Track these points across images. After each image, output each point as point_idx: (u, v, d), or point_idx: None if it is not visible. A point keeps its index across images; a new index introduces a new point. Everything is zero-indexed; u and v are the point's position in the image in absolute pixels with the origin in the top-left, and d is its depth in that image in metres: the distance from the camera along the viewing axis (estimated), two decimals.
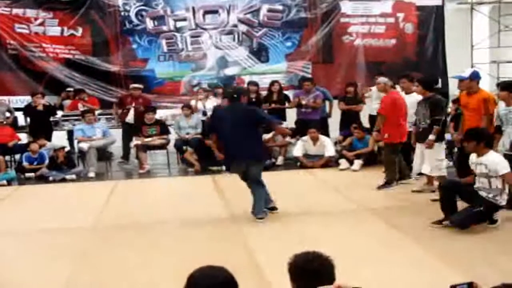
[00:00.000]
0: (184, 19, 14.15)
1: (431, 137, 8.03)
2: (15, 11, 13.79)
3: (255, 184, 7.58)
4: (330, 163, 11.18)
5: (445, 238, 6.37)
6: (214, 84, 13.77)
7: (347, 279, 2.92)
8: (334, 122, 12.65)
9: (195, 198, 9.07)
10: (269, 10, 14.20)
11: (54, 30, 13.89)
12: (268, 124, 8.13)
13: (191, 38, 14.22)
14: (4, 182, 10.78)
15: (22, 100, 13.46)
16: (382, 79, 9.49)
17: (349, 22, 14.39)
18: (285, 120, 12.45)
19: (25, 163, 11.37)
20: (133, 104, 12.41)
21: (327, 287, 2.77)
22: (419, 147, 8.45)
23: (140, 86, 12.94)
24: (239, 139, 7.31)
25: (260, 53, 14.42)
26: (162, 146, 12.02)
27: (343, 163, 10.90)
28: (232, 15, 14.13)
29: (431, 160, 8.20)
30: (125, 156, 12.62)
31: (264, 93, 13.00)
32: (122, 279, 5.45)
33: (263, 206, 7.50)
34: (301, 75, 14.12)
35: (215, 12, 14.17)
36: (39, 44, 13.83)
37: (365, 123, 11.77)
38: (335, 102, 12.78)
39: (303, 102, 12.14)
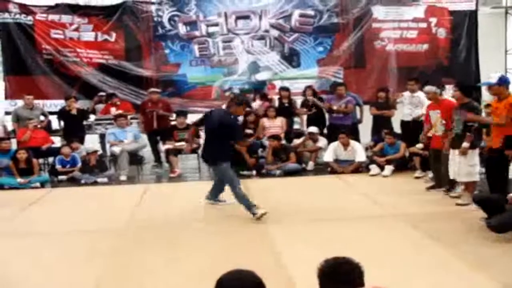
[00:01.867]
0: (216, 24, 14.23)
1: (465, 144, 7.93)
2: (51, 17, 14.03)
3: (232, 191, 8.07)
4: (360, 168, 11.16)
5: (475, 244, 6.29)
6: (246, 90, 13.81)
7: (376, 284, 2.92)
8: (365, 128, 12.59)
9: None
10: (301, 15, 14.20)
11: (89, 35, 14.10)
12: (233, 136, 8.35)
13: (223, 43, 14.29)
14: (38, 184, 10.94)
15: (56, 104, 13.65)
16: (430, 88, 9.30)
17: (381, 27, 14.32)
18: (324, 125, 12.48)
19: (58, 166, 11.53)
20: (153, 109, 12.54)
21: None
22: (453, 154, 8.32)
23: (158, 90, 13.09)
24: (208, 140, 8.30)
25: (291, 58, 14.42)
26: (193, 151, 12.07)
27: (374, 168, 10.85)
28: (264, 20, 14.17)
29: (463, 166, 8.10)
30: (157, 160, 12.74)
31: (295, 97, 13.04)
32: (151, 281, 5.49)
33: (247, 206, 7.87)
34: (333, 80, 14.10)
35: (247, 17, 14.22)
36: (73, 49, 14.04)
37: (397, 128, 11.70)
38: (366, 107, 12.72)
39: (335, 107, 12.13)
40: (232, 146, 8.80)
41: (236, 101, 8.30)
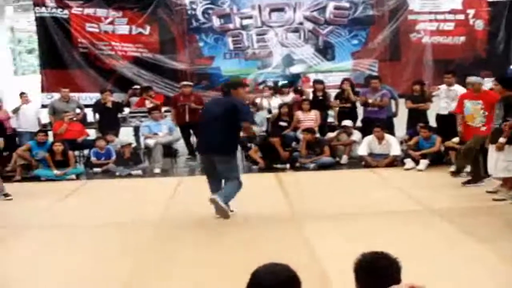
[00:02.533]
0: (250, 17, 14.20)
1: (501, 139, 7.77)
2: (87, 11, 14.16)
3: (230, 181, 7.45)
4: (395, 162, 11.05)
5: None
6: (283, 84, 13.74)
7: (411, 279, 2.87)
8: (400, 121, 12.45)
9: (258, 195, 9.07)
10: (336, 8, 14.10)
11: (123, 28, 14.21)
12: (241, 119, 7.38)
13: (257, 36, 14.26)
14: (73, 176, 11.08)
15: (92, 97, 13.78)
16: (475, 79, 9.17)
17: (417, 19, 14.13)
18: (356, 118, 12.37)
19: (93, 159, 11.66)
20: (185, 102, 12.57)
21: (398, 286, 2.73)
22: (492, 149, 8.14)
23: (190, 83, 13.11)
24: (212, 131, 7.31)
25: (326, 51, 14.34)
26: None
27: (409, 162, 10.73)
28: (298, 12, 14.10)
29: (501, 162, 7.94)
30: (191, 152, 12.78)
31: (330, 91, 12.96)
32: (184, 275, 5.50)
33: (228, 196, 7.32)
34: (367, 74, 13.98)
35: (281, 10, 14.16)
36: (108, 43, 14.17)
37: (432, 122, 11.56)
38: (402, 100, 12.58)
39: (370, 100, 12.03)
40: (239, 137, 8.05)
41: (229, 87, 7.59)
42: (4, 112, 12.56)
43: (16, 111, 12.66)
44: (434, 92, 11.70)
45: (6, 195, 9.35)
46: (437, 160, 10.74)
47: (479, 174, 8.95)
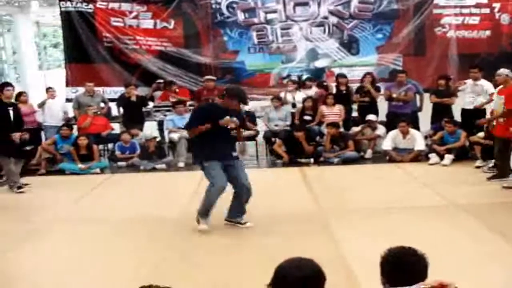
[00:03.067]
0: (275, 11, 14.14)
1: None
2: (111, 5, 14.19)
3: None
4: (419, 157, 11.00)
5: None
6: (308, 78, 13.70)
7: (436, 275, 2.86)
8: (424, 116, 12.36)
9: (283, 190, 9.11)
10: (360, 2, 13.98)
11: (148, 23, 14.22)
12: None
13: (281, 30, 14.20)
14: (98, 170, 11.18)
15: (116, 91, 13.84)
16: (503, 71, 9.07)
17: (442, 14, 13.94)
18: (377, 113, 12.29)
19: (117, 152, 11.74)
20: (209, 96, 12.55)
21: (426, 283, 2.71)
22: None
23: (213, 77, 13.12)
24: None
25: (350, 45, 14.22)
26: (251, 138, 12.11)
27: (433, 157, 10.66)
28: (322, 7, 13.99)
29: None
30: None
31: (353, 85, 12.90)
32: (209, 268, 5.53)
33: (202, 209, 6.92)
34: (392, 68, 13.89)
35: (305, 4, 14.08)
36: (133, 37, 14.20)
37: (457, 116, 11.46)
38: (426, 95, 12.50)
39: (394, 95, 11.96)
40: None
41: (230, 93, 7.05)
42: (30, 106, 12.66)
43: (41, 105, 12.76)
44: (460, 87, 11.61)
45: (19, 187, 9.48)
46: (462, 155, 10.67)
47: (505, 169, 8.87)
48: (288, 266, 2.66)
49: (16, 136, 9.59)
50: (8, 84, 10.22)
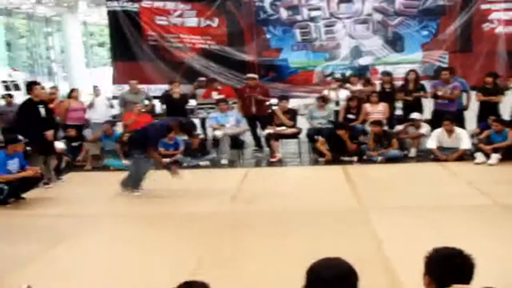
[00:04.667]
0: (318, 9, 14.08)
1: None
2: (156, 4, 14.37)
3: None
4: (465, 156, 10.78)
5: None
6: (352, 73, 13.59)
7: (480, 276, 2.81)
8: (471, 114, 12.15)
9: (325, 187, 9.07)
10: None
11: (192, 21, 14.35)
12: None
13: (325, 27, 14.13)
14: None
15: (160, 88, 13.97)
16: None
17: (490, 9, 13.64)
18: (421, 111, 12.11)
19: (161, 149, 11.80)
20: (251, 94, 12.56)
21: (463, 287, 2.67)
22: None
23: (255, 75, 13.09)
24: None
25: (395, 42, 14.07)
26: (294, 135, 12.08)
27: (479, 156, 10.45)
28: (367, 3, 13.86)
29: None
30: (258, 144, 12.81)
31: (398, 83, 12.73)
32: (251, 264, 5.53)
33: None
34: (437, 65, 13.67)
35: (349, 1, 13.95)
36: (177, 35, 14.35)
37: (506, 115, 11.23)
38: (473, 93, 12.27)
39: (439, 93, 11.78)
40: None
41: (182, 127, 9.33)
42: (80, 102, 12.88)
43: (91, 106, 12.94)
44: (511, 84, 11.36)
45: (46, 183, 9.65)
46: (509, 155, 10.41)
47: None
48: (321, 266, 2.64)
49: (49, 134, 9.76)
50: (36, 83, 10.41)
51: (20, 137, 9.02)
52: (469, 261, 2.84)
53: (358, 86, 12.82)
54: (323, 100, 12.23)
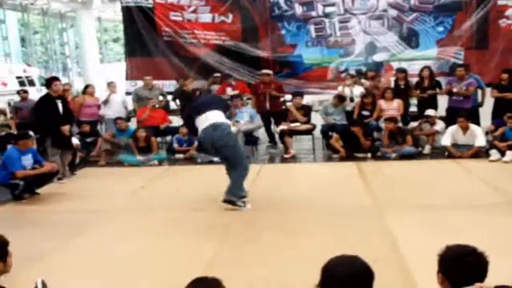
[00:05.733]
0: (333, 5, 14.01)
1: None
2: (171, 0, 14.35)
3: None
4: (480, 153, 10.69)
5: None
6: (369, 69, 13.52)
7: (494, 274, 2.79)
8: (486, 111, 12.06)
9: (339, 184, 9.04)
10: None
11: (206, 17, 14.36)
12: None
13: (339, 23, 14.08)
14: (156, 162, 11.31)
15: (174, 84, 14.04)
16: None
17: (507, 5, 13.48)
18: (436, 108, 12.04)
19: (175, 145, 11.86)
20: (265, 90, 12.58)
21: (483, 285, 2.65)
22: None
23: (270, 71, 13.07)
24: None
25: (410, 38, 13.98)
26: (308, 132, 12.06)
27: (494, 154, 10.36)
28: None
29: None
30: (272, 140, 12.80)
31: (413, 79, 12.65)
32: (264, 260, 5.52)
33: None
34: (453, 62, 13.58)
35: None
36: (191, 31, 14.37)
37: None
38: (488, 90, 12.17)
39: (454, 89, 11.70)
40: None
41: None
42: (95, 98, 12.94)
43: (106, 102, 12.97)
44: None
45: (60, 178, 9.70)
46: None
47: None
48: (336, 264, 2.65)
49: (66, 129, 9.82)
50: (56, 78, 10.49)
51: (30, 132, 9.07)
52: (483, 258, 2.82)
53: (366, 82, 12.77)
54: (340, 99, 12.19)
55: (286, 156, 11.62)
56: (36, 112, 10.09)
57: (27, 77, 22.16)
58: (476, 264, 2.79)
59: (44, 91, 10.09)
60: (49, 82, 10.08)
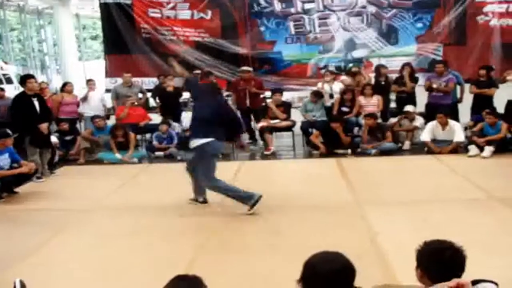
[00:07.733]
0: (312, 1, 14.03)
1: None
2: None
3: None
4: (459, 149, 10.77)
5: None
6: (354, 65, 13.55)
7: (474, 269, 2.79)
8: (464, 107, 12.13)
9: (319, 181, 9.05)
10: None
11: (185, 14, 14.30)
12: None
13: (319, 20, 14.10)
14: (135, 160, 11.23)
15: (154, 81, 13.96)
16: None
17: (485, 1, 13.58)
18: (415, 104, 12.09)
19: (155, 143, 11.79)
20: (245, 87, 12.57)
21: (444, 284, 2.63)
22: None
23: (249, 68, 13.07)
24: None
25: (389, 35, 14.04)
26: (288, 128, 12.05)
27: (473, 149, 10.43)
28: None
29: None
30: (252, 137, 12.78)
31: (393, 75, 12.68)
32: (246, 258, 5.50)
33: None
34: (432, 58, 13.65)
35: None
36: (170, 28, 14.31)
37: (500, 108, 11.22)
38: (467, 86, 12.24)
39: (434, 86, 11.75)
40: None
41: None
42: (74, 96, 12.83)
43: (84, 99, 12.85)
44: (508, 77, 11.34)
45: (39, 177, 9.62)
46: (502, 147, 10.42)
47: None
48: (317, 261, 2.64)
49: (43, 127, 9.72)
50: (30, 76, 10.38)
51: (8, 131, 8.96)
52: (460, 253, 2.83)
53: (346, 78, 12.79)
54: (316, 95, 12.19)
55: (266, 153, 11.61)
56: (12, 111, 9.97)
57: (4, 74, 21.91)
58: (453, 259, 2.79)
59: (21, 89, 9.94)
60: (24, 80, 9.94)
